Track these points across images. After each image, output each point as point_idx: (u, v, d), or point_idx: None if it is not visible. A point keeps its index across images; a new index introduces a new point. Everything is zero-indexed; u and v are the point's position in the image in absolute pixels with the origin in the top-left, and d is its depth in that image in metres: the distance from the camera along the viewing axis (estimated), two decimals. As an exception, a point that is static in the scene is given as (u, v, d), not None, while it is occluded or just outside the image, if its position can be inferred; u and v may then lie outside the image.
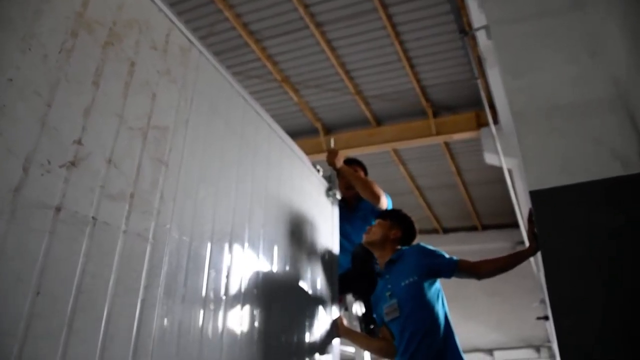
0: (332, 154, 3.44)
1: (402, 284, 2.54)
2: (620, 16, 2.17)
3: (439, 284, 2.57)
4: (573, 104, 2.13)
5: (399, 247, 2.74)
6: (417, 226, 2.88)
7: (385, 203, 3.40)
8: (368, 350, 2.88)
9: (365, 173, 3.79)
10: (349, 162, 3.84)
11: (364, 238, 2.81)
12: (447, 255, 2.57)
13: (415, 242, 2.81)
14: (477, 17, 4.29)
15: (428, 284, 2.52)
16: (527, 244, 2.43)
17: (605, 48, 2.19)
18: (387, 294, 2.59)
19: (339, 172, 3.43)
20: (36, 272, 1.19)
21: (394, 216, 2.87)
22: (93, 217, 1.37)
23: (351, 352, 2.96)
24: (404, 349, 2.45)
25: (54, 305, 1.22)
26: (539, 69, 2.26)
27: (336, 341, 2.92)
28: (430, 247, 2.64)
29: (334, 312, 3.00)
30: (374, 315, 2.88)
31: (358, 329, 2.95)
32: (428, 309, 2.47)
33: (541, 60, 2.28)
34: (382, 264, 2.71)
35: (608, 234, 1.87)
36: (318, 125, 7.45)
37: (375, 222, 2.84)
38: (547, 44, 2.30)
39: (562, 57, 2.25)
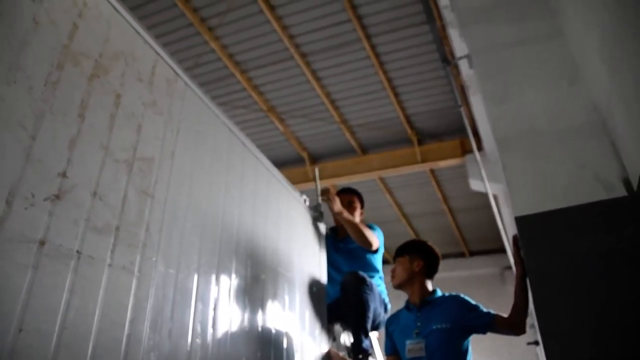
0: (330, 201, 3.32)
1: (434, 327, 2.54)
2: (598, 43, 2.22)
3: (469, 340, 2.55)
4: (555, 130, 2.17)
5: (428, 280, 2.74)
6: (437, 251, 2.85)
7: (377, 246, 3.38)
8: None
9: (362, 203, 3.77)
10: (346, 191, 3.82)
11: (393, 282, 2.80)
12: (484, 310, 2.55)
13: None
14: (459, 46, 4.37)
15: (459, 337, 2.52)
16: (514, 268, 2.43)
17: (584, 74, 2.24)
18: (415, 331, 2.58)
19: (336, 215, 3.34)
20: (19, 308, 1.16)
21: (411, 249, 2.83)
22: (77, 251, 1.35)
23: (341, 384, 2.92)
24: None
25: (37, 341, 1.19)
26: (520, 96, 2.30)
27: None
28: (471, 301, 2.62)
29: (323, 342, 2.96)
30: (364, 340, 2.88)
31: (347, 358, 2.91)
32: (451, 358, 2.47)
33: (522, 88, 2.32)
34: (416, 301, 2.70)
35: (594, 257, 1.89)
36: (304, 154, 7.47)
37: (395, 263, 2.82)
38: (528, 72, 2.35)
39: (543, 84, 2.29)
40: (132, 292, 1.51)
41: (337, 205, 3.28)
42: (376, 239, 3.36)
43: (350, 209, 3.64)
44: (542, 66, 2.35)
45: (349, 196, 3.73)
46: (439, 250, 2.85)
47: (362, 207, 3.76)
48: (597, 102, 2.16)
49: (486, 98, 2.41)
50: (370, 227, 3.46)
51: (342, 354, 2.94)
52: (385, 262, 3.61)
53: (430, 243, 2.87)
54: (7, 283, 1.15)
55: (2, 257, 1.15)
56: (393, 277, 2.81)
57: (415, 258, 2.76)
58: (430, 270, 2.78)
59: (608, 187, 1.99)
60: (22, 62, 1.30)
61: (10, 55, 1.28)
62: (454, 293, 2.70)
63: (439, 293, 2.73)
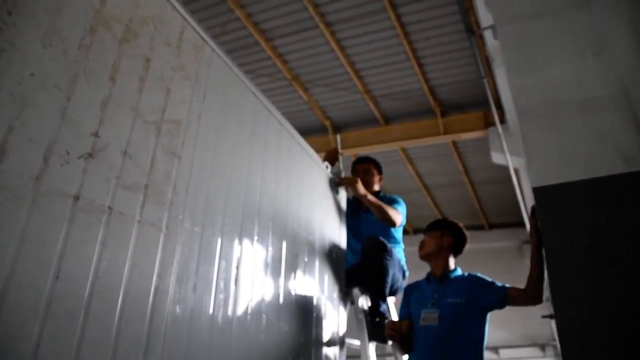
0: (351, 184, 3.38)
1: (449, 300, 2.66)
2: (626, 15, 2.20)
3: (486, 319, 2.64)
4: (577, 101, 2.16)
5: (452, 258, 2.87)
6: (466, 233, 2.96)
7: (400, 224, 3.43)
8: (400, 348, 2.89)
9: (380, 171, 3.82)
10: (362, 160, 3.87)
11: (419, 252, 2.91)
12: (499, 285, 2.63)
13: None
14: (484, 16, 4.33)
15: (472, 313, 2.61)
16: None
17: (610, 46, 2.22)
18: (431, 302, 2.71)
19: (360, 198, 3.38)
20: (56, 257, 1.24)
21: (444, 225, 2.97)
22: (109, 207, 1.43)
23: (357, 345, 3.01)
24: (423, 356, 2.62)
25: (72, 288, 1.27)
26: (544, 66, 2.30)
27: (342, 333, 2.98)
28: (486, 278, 2.72)
29: (341, 305, 3.05)
30: (385, 303, 3.00)
31: (363, 322, 3.00)
32: (462, 333, 2.56)
33: (546, 58, 2.31)
34: (437, 274, 2.83)
35: (611, 230, 1.89)
36: (327, 123, 7.50)
37: (426, 234, 2.95)
38: (553, 42, 2.34)
39: (567, 55, 2.28)
40: (160, 247, 1.59)
41: (361, 189, 3.34)
42: (400, 216, 3.41)
43: (368, 176, 3.69)
44: (566, 37, 2.33)
45: (365, 165, 3.79)
46: (468, 234, 2.95)
47: (379, 173, 3.81)
48: (621, 74, 2.15)
49: (509, 68, 2.41)
50: (395, 201, 3.50)
51: (359, 316, 3.03)
52: (404, 232, 3.67)
53: (462, 225, 2.97)
54: (45, 233, 1.23)
55: (41, 210, 1.22)
56: (421, 247, 2.92)
57: (447, 235, 2.89)
58: (456, 249, 2.90)
59: (628, 160, 1.99)
60: (58, 25, 1.36)
61: (47, 19, 1.33)
62: (472, 273, 2.80)
63: (459, 272, 2.84)
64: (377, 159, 3.95)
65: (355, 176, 3.72)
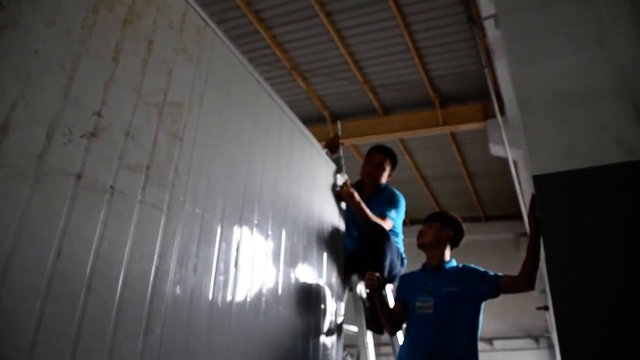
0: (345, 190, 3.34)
1: (444, 289, 2.70)
2: (628, 6, 2.20)
3: (481, 308, 2.67)
4: (579, 91, 2.16)
5: (448, 250, 2.89)
6: (464, 227, 3.00)
7: (389, 228, 3.37)
8: (379, 303, 2.89)
9: (393, 167, 3.74)
10: (379, 150, 3.77)
11: (418, 241, 2.93)
12: (492, 274, 2.67)
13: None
14: (486, 6, 4.32)
15: (467, 302, 2.64)
16: (529, 231, 2.47)
17: (612, 37, 2.22)
18: (426, 290, 2.75)
19: (352, 206, 3.33)
20: (58, 235, 1.25)
21: (444, 218, 3.00)
22: (111, 186, 1.43)
23: (354, 332, 3.02)
24: (417, 343, 2.65)
25: (74, 267, 1.28)
26: (546, 57, 2.29)
27: (341, 320, 3.00)
28: (479, 268, 2.77)
29: (340, 291, 3.06)
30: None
31: (362, 309, 3.01)
32: (456, 322, 2.60)
33: (548, 49, 2.30)
34: (433, 264, 2.86)
35: (610, 218, 1.88)
36: (326, 113, 7.49)
37: (426, 225, 2.96)
38: (555, 33, 2.33)
39: (569, 45, 2.28)
40: (161, 228, 1.59)
41: (355, 199, 3.29)
42: (389, 224, 3.35)
43: (379, 170, 3.63)
44: (569, 27, 2.32)
45: (381, 157, 3.68)
46: (466, 229, 3.00)
47: (393, 168, 3.72)
48: (623, 65, 2.14)
49: (511, 58, 2.40)
50: (392, 202, 3.48)
51: (358, 303, 3.04)
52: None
53: (461, 220, 3.01)
54: (48, 211, 1.23)
55: (43, 188, 1.23)
56: (420, 236, 2.94)
57: (447, 227, 2.92)
58: (454, 242, 2.95)
59: (629, 150, 1.98)
60: (61, 5, 1.35)
61: (51, -2, 1.33)
62: (466, 264, 2.84)
63: (454, 263, 2.88)
64: (390, 148, 3.85)
65: (367, 165, 3.67)
